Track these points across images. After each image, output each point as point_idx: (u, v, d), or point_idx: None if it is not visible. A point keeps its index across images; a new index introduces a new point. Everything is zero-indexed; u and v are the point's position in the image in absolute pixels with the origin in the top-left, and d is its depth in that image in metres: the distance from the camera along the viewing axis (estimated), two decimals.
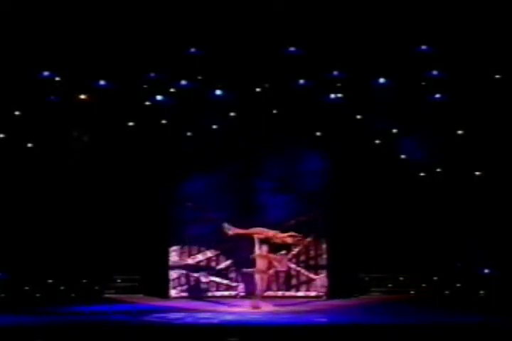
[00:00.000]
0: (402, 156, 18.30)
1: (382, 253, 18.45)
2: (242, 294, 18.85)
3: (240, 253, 18.53)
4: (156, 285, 18.90)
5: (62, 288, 18.62)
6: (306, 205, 18.86)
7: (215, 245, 19.06)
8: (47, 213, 18.38)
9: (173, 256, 19.04)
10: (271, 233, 16.85)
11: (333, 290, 18.58)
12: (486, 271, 17.95)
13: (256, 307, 16.28)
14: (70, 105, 17.46)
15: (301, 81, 17.23)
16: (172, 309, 16.47)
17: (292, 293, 18.76)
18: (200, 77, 17.28)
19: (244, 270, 17.30)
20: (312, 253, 19.00)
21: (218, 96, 17.46)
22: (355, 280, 18.77)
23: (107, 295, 18.62)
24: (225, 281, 19.06)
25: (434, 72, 16.89)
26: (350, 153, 18.61)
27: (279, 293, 18.77)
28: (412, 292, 18.55)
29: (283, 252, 17.51)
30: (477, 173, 18.10)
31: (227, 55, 16.73)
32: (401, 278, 18.76)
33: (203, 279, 18.93)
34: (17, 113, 17.40)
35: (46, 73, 16.90)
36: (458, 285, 18.22)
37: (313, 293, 18.76)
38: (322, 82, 17.23)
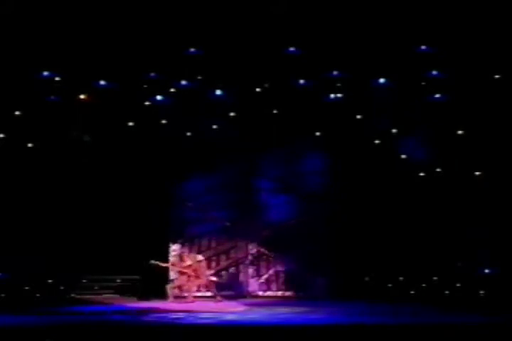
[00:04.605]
0: (403, 156, 18.32)
1: (383, 253, 18.45)
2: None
3: (238, 253, 18.68)
4: (156, 285, 18.90)
5: (62, 288, 18.67)
6: (306, 205, 18.88)
7: (216, 245, 19.10)
8: (47, 213, 18.40)
9: (173, 256, 19.06)
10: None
11: (334, 290, 18.58)
12: (486, 271, 17.97)
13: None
14: (70, 105, 17.47)
15: (301, 81, 17.25)
16: (172, 309, 16.48)
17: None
18: (200, 77, 17.29)
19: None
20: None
21: (218, 96, 17.48)
22: (356, 280, 18.78)
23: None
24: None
25: (434, 72, 16.90)
26: (350, 153, 18.62)
27: (279, 293, 18.92)
28: (412, 292, 18.56)
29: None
30: (477, 173, 18.11)
31: (227, 55, 16.74)
32: (401, 278, 18.76)
33: None
34: (17, 113, 17.41)
35: (46, 73, 16.91)
36: (458, 285, 18.23)
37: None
38: (322, 82, 17.24)
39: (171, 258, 18.59)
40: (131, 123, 18.05)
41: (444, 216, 18.25)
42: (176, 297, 17.73)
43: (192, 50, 16.81)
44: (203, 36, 16.55)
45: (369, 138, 18.30)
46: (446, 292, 18.27)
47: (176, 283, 17.68)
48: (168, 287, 17.61)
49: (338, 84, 17.30)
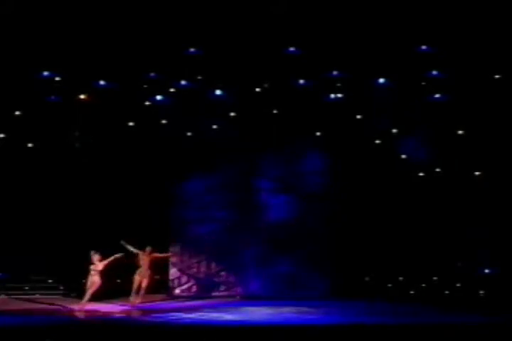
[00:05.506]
0: (403, 156, 18.33)
1: (382, 253, 18.46)
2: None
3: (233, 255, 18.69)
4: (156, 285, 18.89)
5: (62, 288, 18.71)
6: (306, 205, 18.87)
7: (215, 245, 19.07)
8: (47, 213, 18.41)
9: (174, 256, 19.03)
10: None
11: (334, 290, 18.57)
12: (486, 271, 17.98)
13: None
14: (70, 105, 17.47)
15: (301, 81, 17.25)
16: (172, 309, 16.48)
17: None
18: (200, 77, 17.29)
19: None
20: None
21: (218, 96, 17.48)
22: (356, 280, 18.77)
23: None
24: None
25: (434, 72, 16.91)
26: (350, 153, 18.63)
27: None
28: (412, 292, 18.56)
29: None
30: (477, 173, 18.12)
31: (227, 55, 16.74)
32: (401, 278, 18.76)
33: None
34: (17, 113, 17.41)
35: (46, 73, 16.91)
36: (458, 285, 18.23)
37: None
38: (322, 82, 17.24)
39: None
40: (131, 123, 18.05)
41: (444, 216, 18.26)
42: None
43: (192, 50, 16.81)
44: (203, 36, 16.55)
45: (369, 138, 18.31)
46: (446, 292, 18.28)
47: (94, 286, 16.38)
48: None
49: (338, 84, 17.30)
